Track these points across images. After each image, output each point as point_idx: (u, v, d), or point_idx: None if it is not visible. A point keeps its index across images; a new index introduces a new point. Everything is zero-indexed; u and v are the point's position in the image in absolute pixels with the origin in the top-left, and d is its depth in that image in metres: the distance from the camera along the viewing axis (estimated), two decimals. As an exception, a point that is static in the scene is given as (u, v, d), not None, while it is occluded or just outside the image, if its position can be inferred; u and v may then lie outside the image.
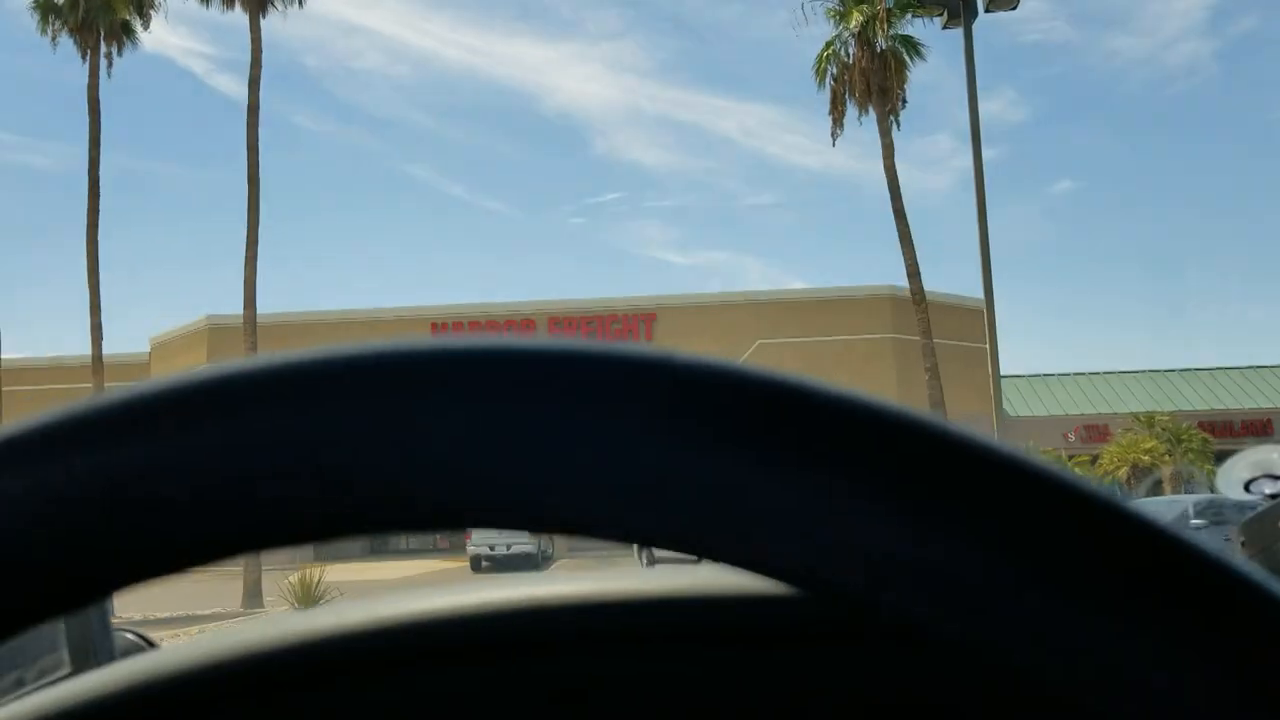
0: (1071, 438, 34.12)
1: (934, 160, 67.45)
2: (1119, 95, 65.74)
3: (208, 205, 60.80)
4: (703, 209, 64.89)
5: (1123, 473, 27.94)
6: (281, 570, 29.88)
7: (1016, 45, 64.80)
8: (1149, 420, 28.70)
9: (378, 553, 35.57)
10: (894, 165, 20.13)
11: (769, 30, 67.74)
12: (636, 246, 66.95)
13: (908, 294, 33.97)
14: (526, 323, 32.40)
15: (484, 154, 67.39)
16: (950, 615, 0.24)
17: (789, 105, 67.13)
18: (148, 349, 34.36)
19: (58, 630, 1.56)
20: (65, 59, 28.65)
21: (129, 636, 1.84)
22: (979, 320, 36.39)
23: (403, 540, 37.49)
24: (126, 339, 56.13)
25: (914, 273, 19.75)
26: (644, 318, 32.30)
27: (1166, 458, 27.00)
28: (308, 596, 14.69)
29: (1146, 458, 26.96)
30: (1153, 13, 67.81)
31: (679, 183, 70.44)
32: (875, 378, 31.52)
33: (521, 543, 25.86)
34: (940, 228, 74.32)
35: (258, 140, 18.73)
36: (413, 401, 0.23)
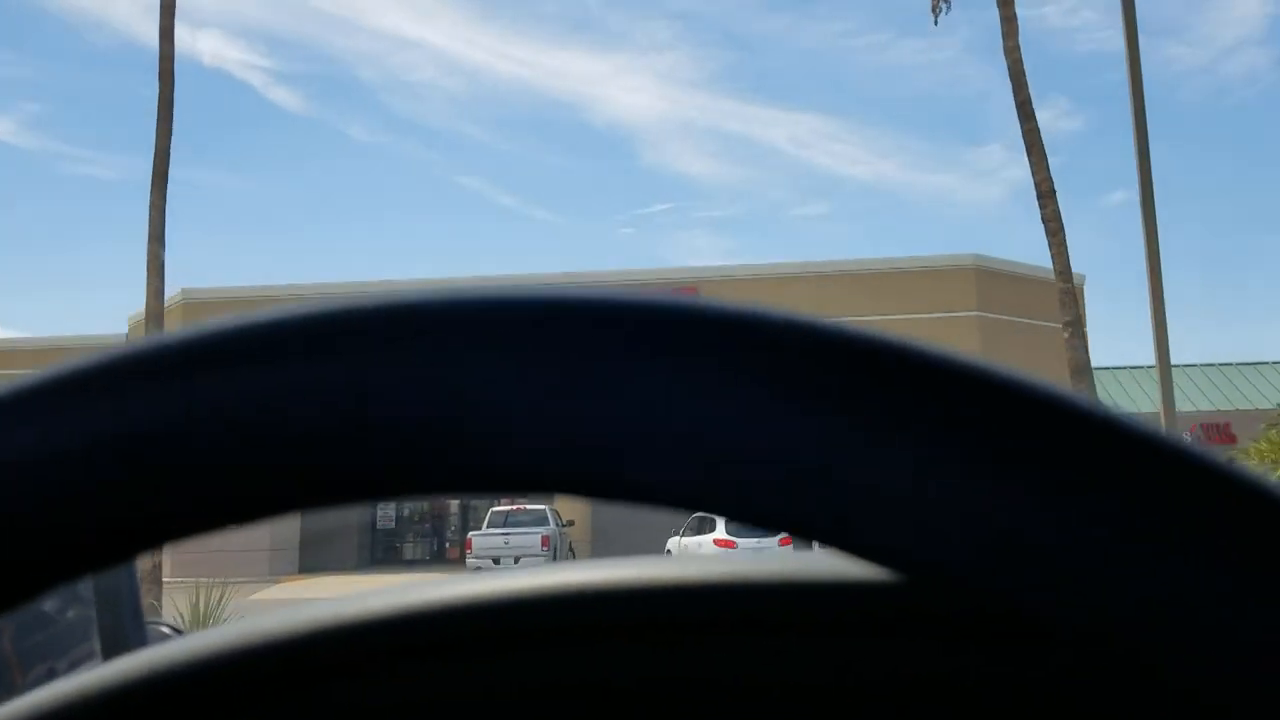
0: (1187, 438, 29.14)
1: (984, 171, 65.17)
2: (1175, 104, 64.39)
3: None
4: (752, 219, 65.65)
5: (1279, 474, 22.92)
6: (258, 584, 26.21)
7: (1071, 54, 64.23)
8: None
9: (380, 564, 31.75)
10: (1017, 45, 15.43)
11: (818, 39, 68.12)
12: (686, 256, 68.55)
13: (994, 264, 29.38)
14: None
15: (535, 165, 68.09)
16: (1073, 600, 0.22)
17: (838, 115, 67.47)
18: (126, 329, 30.66)
19: (90, 621, 1.71)
20: None
21: (162, 629, 1.99)
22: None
23: (406, 550, 33.63)
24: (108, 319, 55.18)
25: (1047, 191, 15.07)
26: (681, 292, 27.90)
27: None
28: (199, 621, 11.20)
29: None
30: (1210, 20, 66.36)
31: (728, 193, 71.24)
32: (958, 363, 26.85)
33: (532, 552, 21.72)
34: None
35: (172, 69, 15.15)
36: (504, 354, 0.22)
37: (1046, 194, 14.91)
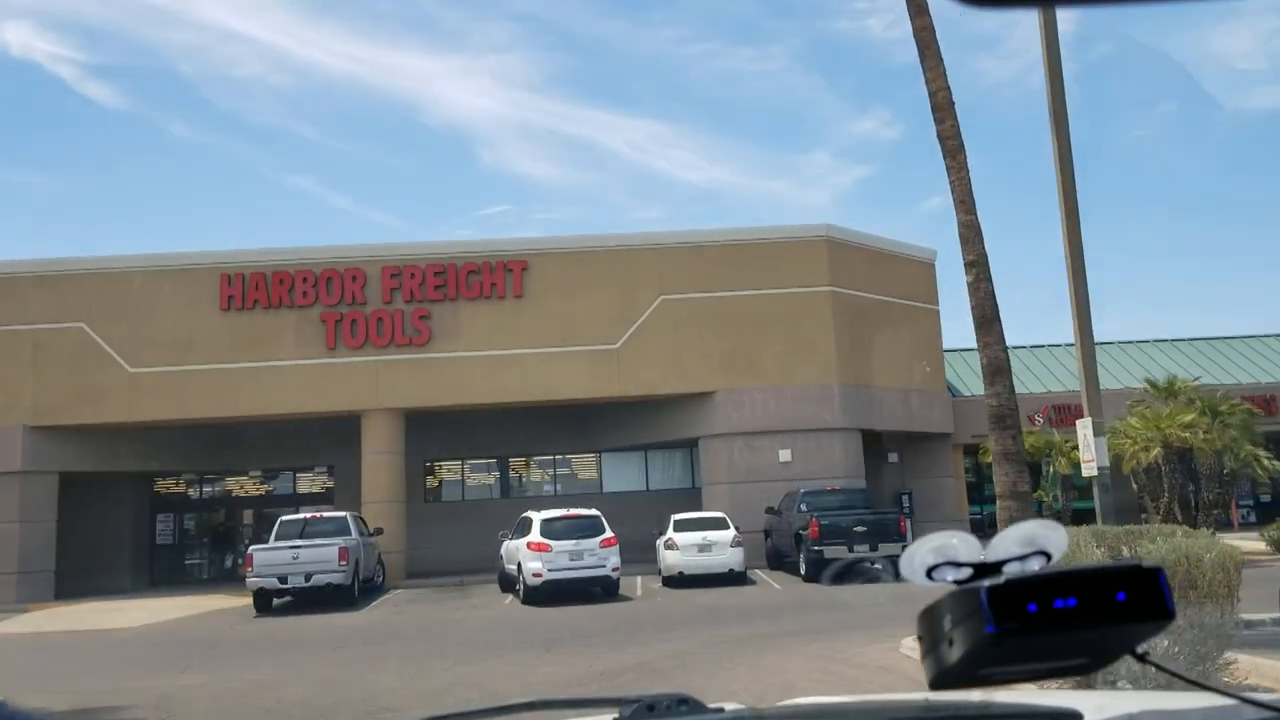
0: (1040, 421, 28.32)
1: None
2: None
3: None
4: (591, 222, 67.82)
5: (1154, 454, 21.89)
6: (3, 613, 21.90)
7: (892, 66, 66.19)
8: (1169, 389, 22.70)
9: (162, 584, 27.53)
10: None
11: (653, 46, 68.98)
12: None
13: (846, 235, 27.80)
14: (353, 273, 24.72)
15: (370, 166, 67.03)
16: None
17: (674, 121, 68.47)
18: None
19: None
20: None
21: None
22: (929, 276, 30.57)
23: (193, 570, 29.45)
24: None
25: (944, 104, 12.95)
26: (511, 266, 25.00)
27: (1205, 437, 20.98)
28: None
29: (1186, 434, 20.89)
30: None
31: (567, 196, 72.01)
32: (810, 343, 24.94)
33: (327, 568, 18.41)
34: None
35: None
36: None
37: (943, 107, 12.77)
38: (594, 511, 19.63)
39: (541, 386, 24.61)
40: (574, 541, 18.42)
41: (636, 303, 25.08)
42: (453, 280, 24.94)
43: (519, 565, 18.63)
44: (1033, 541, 0.92)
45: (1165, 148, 68.55)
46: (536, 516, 19.30)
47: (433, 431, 26.89)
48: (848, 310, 25.68)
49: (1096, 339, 12.94)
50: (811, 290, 25.35)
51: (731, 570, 19.67)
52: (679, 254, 25.46)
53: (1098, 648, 0.90)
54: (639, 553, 23.79)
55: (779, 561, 22.17)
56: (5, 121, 63.44)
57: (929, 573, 0.95)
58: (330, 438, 27.08)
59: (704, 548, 19.73)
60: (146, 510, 28.67)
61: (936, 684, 0.92)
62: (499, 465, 29.59)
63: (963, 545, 0.94)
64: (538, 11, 68.09)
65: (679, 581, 19.76)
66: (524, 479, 29.83)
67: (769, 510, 22.56)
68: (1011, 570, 0.91)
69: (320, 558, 18.70)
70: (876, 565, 17.21)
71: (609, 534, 18.90)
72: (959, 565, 0.93)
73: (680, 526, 20.43)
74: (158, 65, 63.66)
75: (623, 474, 29.04)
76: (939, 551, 0.94)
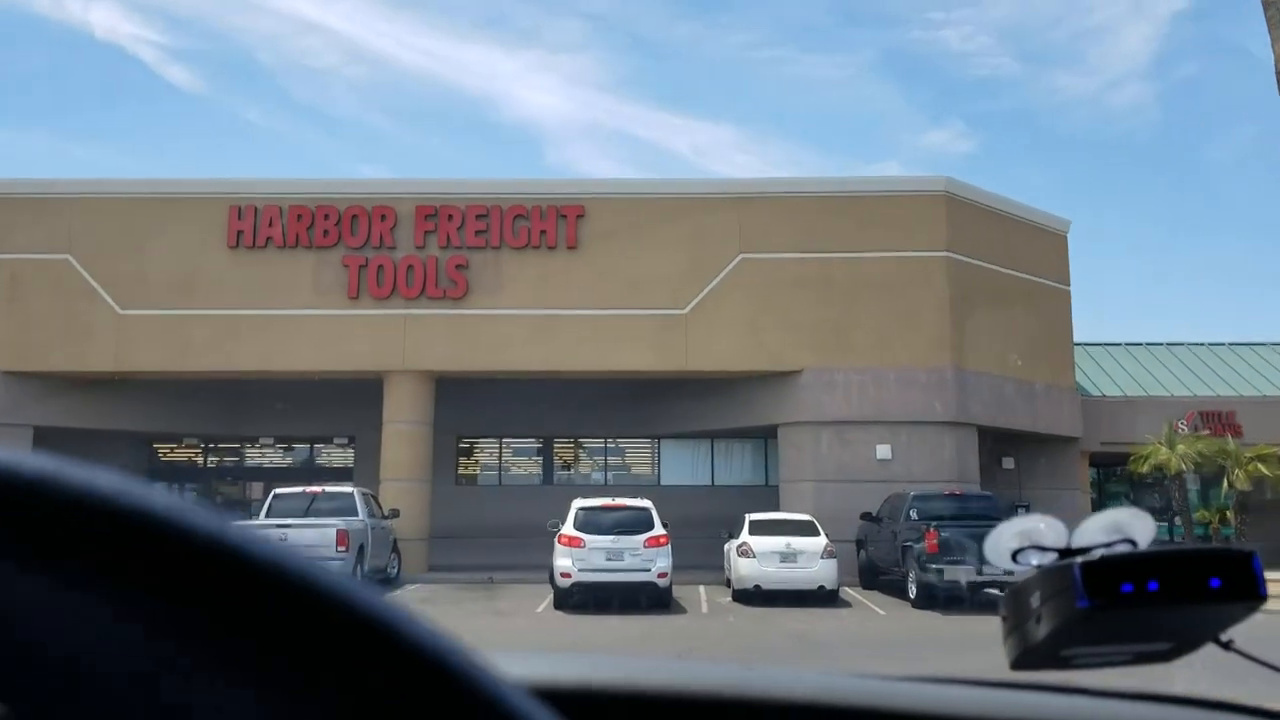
0: (1184, 428, 24.12)
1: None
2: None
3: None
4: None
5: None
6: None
7: (966, 79, 64.86)
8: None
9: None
10: None
11: (724, 50, 68.46)
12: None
13: (969, 194, 23.78)
14: (382, 211, 21.42)
15: (439, 159, 69.53)
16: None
17: (740, 125, 68.21)
18: None
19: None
20: None
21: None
22: (1061, 249, 26.37)
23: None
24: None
25: None
26: (565, 211, 21.50)
27: None
28: None
29: None
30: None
31: None
32: (920, 317, 21.08)
33: (322, 553, 15.21)
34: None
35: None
36: None
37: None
38: (644, 503, 16.10)
39: (594, 355, 21.10)
40: (612, 537, 15.05)
41: (711, 261, 21.44)
42: (496, 225, 21.52)
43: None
44: (1119, 529, 0.95)
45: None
46: (575, 505, 15.90)
47: (466, 403, 23.55)
48: (966, 281, 21.74)
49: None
50: (924, 255, 21.47)
51: (821, 587, 15.96)
52: (764, 205, 21.75)
53: (1184, 632, 0.91)
54: (700, 557, 20.22)
55: (874, 579, 18.40)
56: (87, 101, 65.98)
57: (1014, 556, 0.97)
58: (352, 404, 23.85)
59: (787, 557, 16.03)
60: (142, 477, 25.67)
61: (1019, 663, 0.94)
62: (541, 447, 26.15)
63: (1049, 530, 0.96)
64: (609, 12, 68.98)
65: (754, 597, 16.09)
66: (569, 465, 26.37)
67: (865, 517, 18.76)
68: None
69: (313, 541, 15.40)
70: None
71: (659, 531, 15.44)
72: (1044, 550, 0.95)
73: (758, 529, 16.77)
74: (237, 52, 65.67)
75: (684, 465, 25.43)
76: (1025, 535, 0.97)
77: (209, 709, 0.27)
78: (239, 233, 21.29)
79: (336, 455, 26.59)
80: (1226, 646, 0.96)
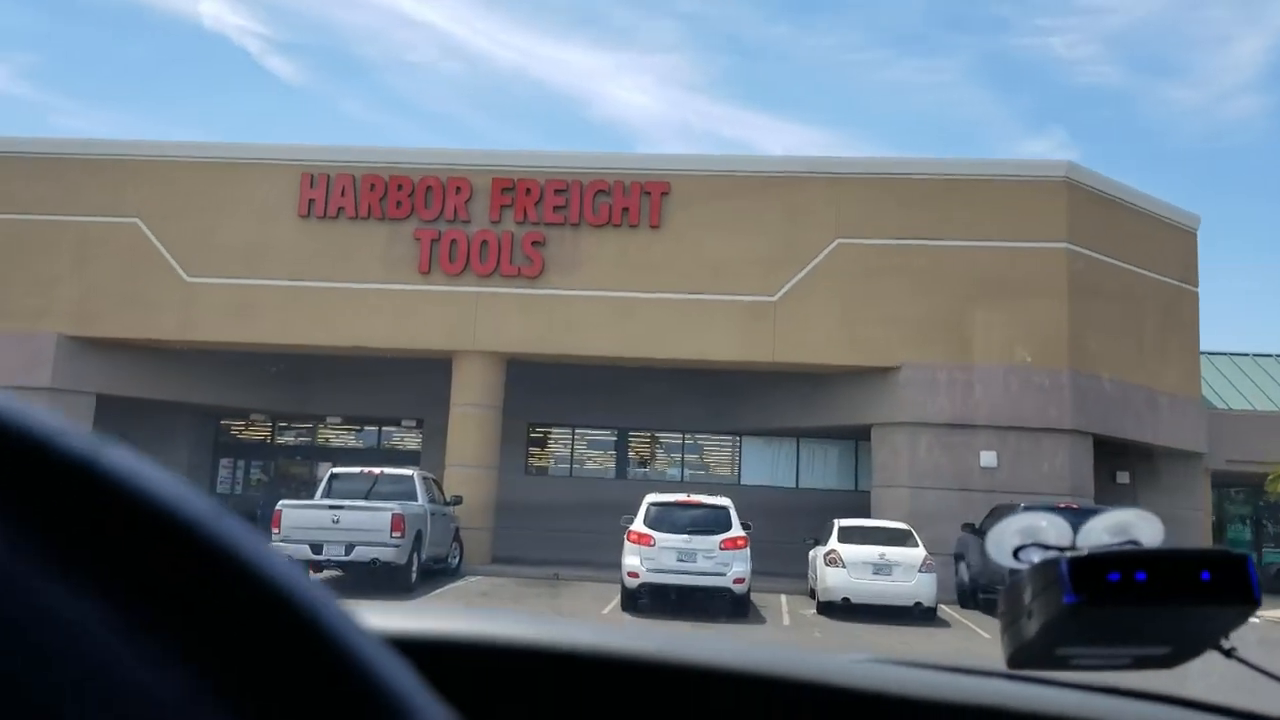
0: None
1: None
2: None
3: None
4: None
5: None
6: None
7: (1071, 86, 63.30)
8: None
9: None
10: None
11: (819, 52, 68.43)
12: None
13: (1092, 182, 21.90)
14: (458, 183, 20.49)
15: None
16: None
17: (834, 129, 68.08)
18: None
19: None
20: None
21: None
22: (1190, 248, 24.24)
23: (259, 526, 25.93)
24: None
25: None
26: (649, 188, 20.29)
27: None
28: None
29: None
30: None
31: None
32: (1035, 314, 19.39)
33: (375, 539, 14.22)
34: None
35: None
36: None
37: None
38: (723, 501, 14.79)
39: (674, 342, 19.84)
40: (686, 536, 13.82)
41: (804, 245, 20.01)
42: (576, 201, 20.40)
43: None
44: (1125, 530, 0.94)
45: None
46: (647, 500, 14.68)
47: (538, 389, 22.50)
48: (1086, 277, 19.91)
49: None
50: (1041, 246, 19.72)
51: (918, 604, 14.45)
52: (865, 187, 20.23)
53: (1182, 635, 0.91)
54: (781, 564, 18.88)
55: (972, 597, 16.79)
56: (192, 89, 67.96)
57: (1016, 553, 0.96)
58: (421, 386, 22.97)
59: (881, 569, 14.56)
60: (209, 451, 25.36)
61: (1014, 661, 0.93)
62: (616, 439, 24.98)
63: (1052, 528, 0.95)
64: (705, 12, 68.88)
65: (841, 610, 14.66)
66: (645, 460, 25.17)
67: (967, 528, 17.14)
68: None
69: (366, 524, 14.44)
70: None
71: (737, 532, 14.15)
72: (1047, 548, 0.94)
73: (848, 537, 15.33)
74: (338, 45, 67.53)
75: (766, 464, 24.03)
76: (1026, 532, 0.96)
77: (47, 618, 0.27)
78: (310, 201, 20.57)
79: (407, 438, 25.82)
80: (1229, 654, 0.94)
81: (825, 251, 20.03)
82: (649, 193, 20.36)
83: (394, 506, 14.98)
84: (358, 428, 26.09)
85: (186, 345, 20.72)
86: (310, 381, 23.94)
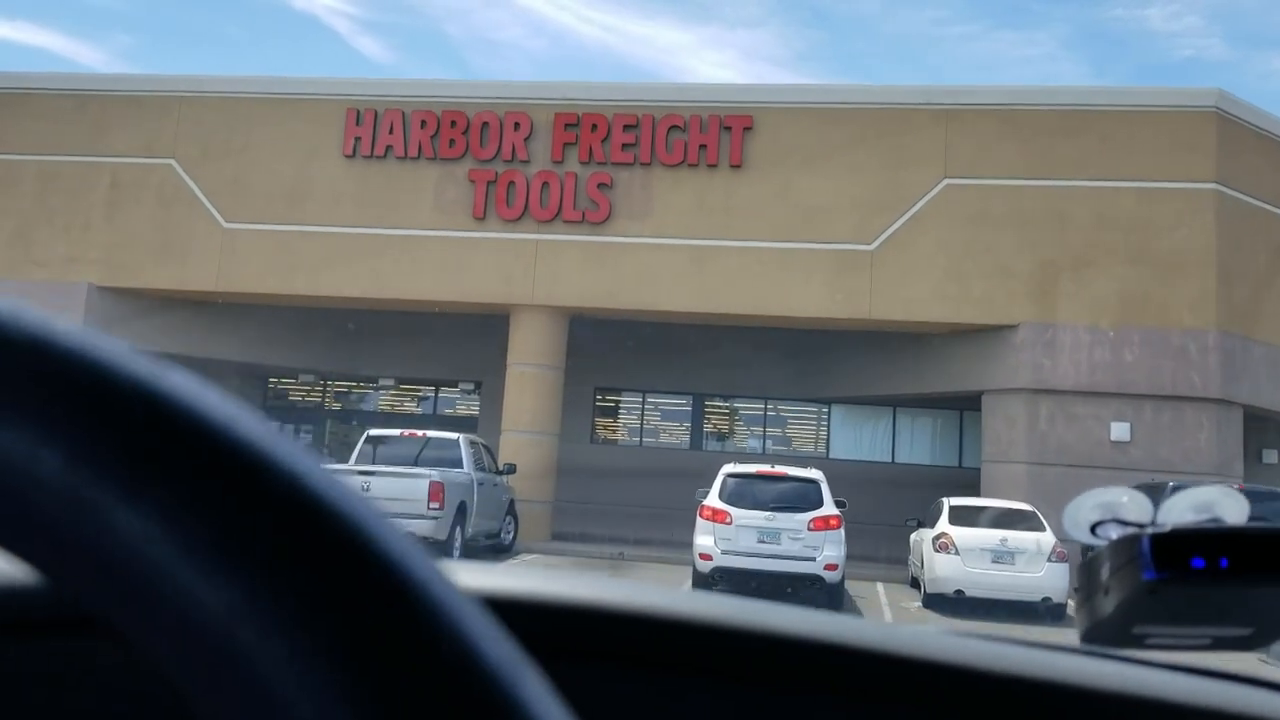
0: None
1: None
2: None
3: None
4: None
5: None
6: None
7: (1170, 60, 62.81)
8: None
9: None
10: None
11: (910, 25, 66.81)
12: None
13: (1245, 114, 19.25)
14: (516, 118, 18.77)
15: None
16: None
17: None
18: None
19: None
20: None
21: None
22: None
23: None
24: None
25: None
26: (729, 123, 18.30)
27: None
28: None
29: None
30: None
31: None
32: (1176, 266, 16.97)
33: (412, 510, 12.74)
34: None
35: None
36: None
37: None
38: (813, 474, 12.84)
39: (756, 297, 17.91)
40: (768, 514, 11.96)
41: (906, 186, 17.85)
42: (647, 138, 18.52)
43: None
44: (1209, 508, 0.89)
45: None
46: (723, 471, 12.81)
47: (604, 348, 20.79)
48: (1239, 224, 17.40)
49: None
50: (1185, 187, 17.23)
51: (1047, 599, 12.35)
52: (978, 120, 17.95)
53: (1265, 617, 0.87)
54: (874, 546, 16.98)
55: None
56: (284, 70, 70.21)
57: (1093, 529, 0.93)
58: (479, 346, 21.43)
59: (1001, 557, 12.48)
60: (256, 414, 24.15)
61: (1088, 638, 0.92)
62: (691, 406, 23.14)
63: (1132, 503, 0.91)
64: None
65: (954, 604, 12.64)
66: (723, 431, 23.31)
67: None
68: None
69: (400, 493, 12.87)
70: None
71: (829, 510, 12.21)
72: (1125, 524, 0.90)
73: (961, 518, 13.28)
74: (425, 24, 69.07)
75: (859, 436, 22.00)
76: (1105, 508, 0.92)
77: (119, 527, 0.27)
78: (356, 139, 19.06)
79: (465, 404, 24.36)
80: None
81: (931, 193, 17.84)
82: (729, 128, 18.38)
83: (432, 474, 13.39)
84: (416, 392, 24.72)
85: (224, 297, 19.45)
86: (361, 340, 22.58)
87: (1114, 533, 0.87)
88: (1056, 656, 0.82)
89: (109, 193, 19.30)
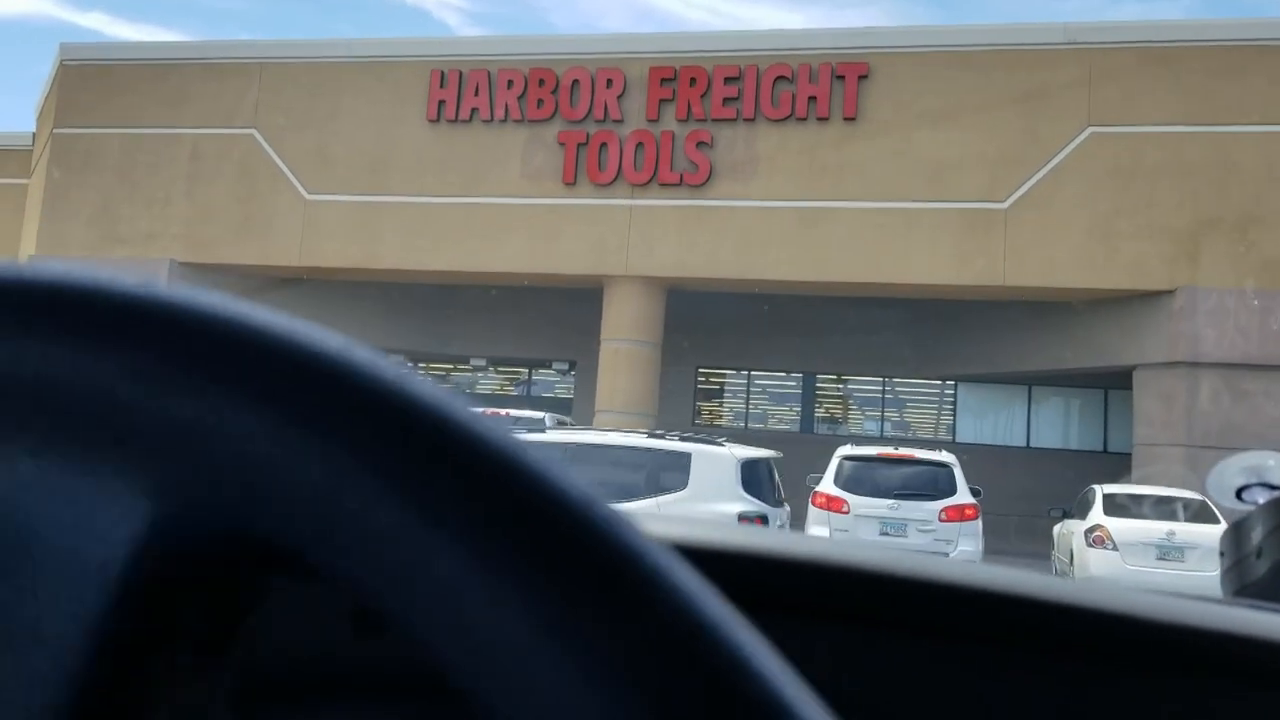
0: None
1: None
2: None
3: None
4: None
5: None
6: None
7: None
8: None
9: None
10: None
11: None
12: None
13: None
14: (608, 75, 17.71)
15: None
16: (318, 540, 0.28)
17: None
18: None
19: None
20: None
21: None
22: None
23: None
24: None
25: None
26: (842, 72, 16.89)
27: None
28: None
29: None
30: None
31: None
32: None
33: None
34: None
35: None
36: None
37: None
38: (944, 457, 11.42)
39: (874, 264, 16.49)
40: (893, 502, 10.62)
41: (1044, 136, 16.17)
42: (751, 91, 17.23)
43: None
44: None
45: None
46: (839, 453, 11.47)
47: (706, 324, 19.60)
48: None
49: None
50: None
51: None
52: (1129, 59, 16.13)
53: None
54: (1006, 540, 15.45)
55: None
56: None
57: (1239, 493, 0.95)
58: (573, 324, 20.49)
59: (1168, 553, 10.90)
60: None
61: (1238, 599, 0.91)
62: (801, 386, 21.77)
63: (1279, 466, 0.81)
64: None
65: (1108, 609, 11.05)
66: (835, 411, 21.90)
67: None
68: None
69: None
70: None
71: (965, 499, 10.80)
72: (1273, 488, 0.92)
73: (1117, 508, 11.70)
74: (533, 14, 70.05)
75: (990, 418, 20.34)
76: (1253, 471, 0.93)
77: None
78: (440, 103, 18.25)
79: (564, 385, 23.49)
80: None
81: (1073, 144, 16.11)
82: (842, 77, 16.95)
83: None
84: (515, 374, 23.96)
85: (306, 272, 18.91)
86: (451, 318, 21.90)
87: (1261, 497, 0.87)
88: (1226, 609, 0.76)
89: (190, 165, 18.95)
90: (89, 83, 19.48)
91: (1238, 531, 0.93)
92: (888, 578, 0.64)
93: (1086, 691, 0.62)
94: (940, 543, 10.46)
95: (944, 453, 11.64)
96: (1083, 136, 16.11)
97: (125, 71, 19.45)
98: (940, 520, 10.55)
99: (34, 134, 21.44)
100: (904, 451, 11.64)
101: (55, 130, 19.53)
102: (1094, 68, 16.23)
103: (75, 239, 19.01)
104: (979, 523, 10.77)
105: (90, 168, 19.24)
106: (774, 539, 0.69)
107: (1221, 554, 0.96)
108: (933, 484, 10.85)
